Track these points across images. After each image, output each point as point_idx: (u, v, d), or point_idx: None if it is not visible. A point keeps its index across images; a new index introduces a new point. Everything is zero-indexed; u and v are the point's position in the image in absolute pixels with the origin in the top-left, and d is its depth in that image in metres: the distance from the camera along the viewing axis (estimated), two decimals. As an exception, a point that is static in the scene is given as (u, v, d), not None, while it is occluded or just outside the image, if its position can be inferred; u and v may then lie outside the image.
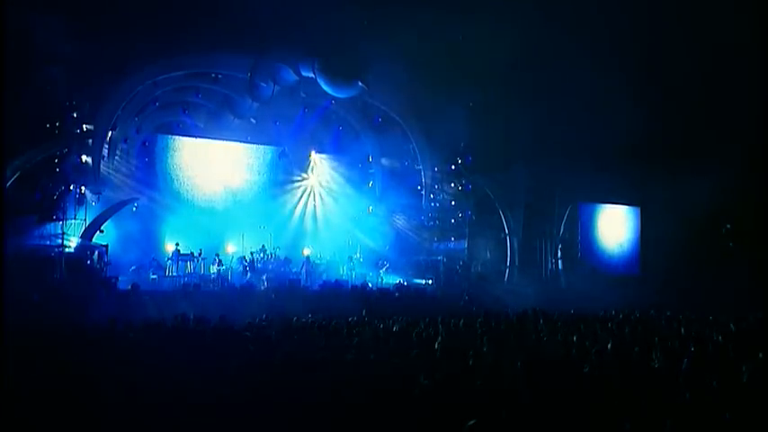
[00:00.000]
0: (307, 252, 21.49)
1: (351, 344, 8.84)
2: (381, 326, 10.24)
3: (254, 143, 22.22)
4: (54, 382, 6.58)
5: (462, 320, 10.16)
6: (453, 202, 22.25)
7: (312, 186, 23.19)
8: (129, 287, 15.79)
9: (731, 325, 9.60)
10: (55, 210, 16.33)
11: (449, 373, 6.20)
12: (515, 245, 22.20)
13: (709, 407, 4.60)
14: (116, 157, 18.92)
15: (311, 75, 18.25)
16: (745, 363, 5.48)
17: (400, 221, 22.63)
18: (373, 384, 6.79)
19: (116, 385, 6.54)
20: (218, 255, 19.35)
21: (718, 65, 19.83)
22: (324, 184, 23.30)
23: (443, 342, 7.96)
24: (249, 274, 18.85)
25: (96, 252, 16.56)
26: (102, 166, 17.83)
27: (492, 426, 4.95)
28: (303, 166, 23.09)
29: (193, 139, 21.06)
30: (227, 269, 19.23)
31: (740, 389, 4.96)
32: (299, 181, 23.04)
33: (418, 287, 20.03)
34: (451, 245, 22.11)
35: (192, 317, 10.78)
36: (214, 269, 18.97)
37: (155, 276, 18.24)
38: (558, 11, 18.88)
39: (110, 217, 17.75)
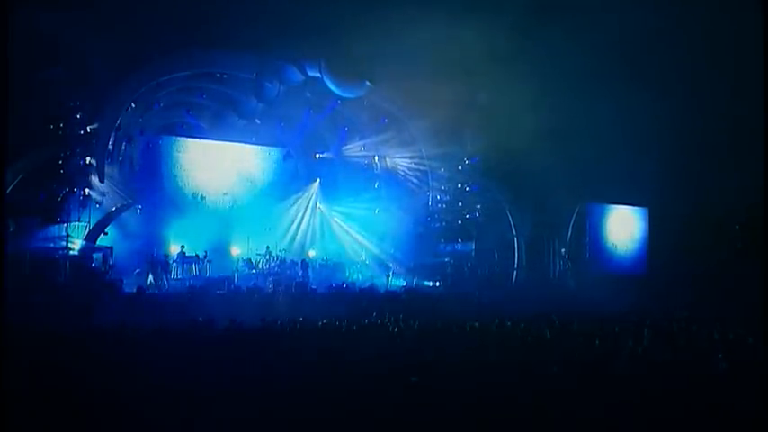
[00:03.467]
0: (312, 254, 21.32)
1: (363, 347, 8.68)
2: (395, 329, 10.04)
3: (258, 144, 22.00)
4: (58, 385, 6.46)
5: (477, 323, 9.97)
6: (460, 203, 22.04)
7: (317, 188, 22.97)
8: (134, 290, 15.62)
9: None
10: (59, 212, 16.12)
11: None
12: (523, 246, 21.98)
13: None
14: (120, 159, 18.72)
15: (317, 74, 18.08)
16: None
17: (407, 223, 22.40)
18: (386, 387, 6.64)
19: (122, 389, 6.42)
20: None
21: (727, 64, 19.64)
22: (329, 185, 23.07)
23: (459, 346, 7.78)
24: (255, 276, 18.70)
25: (101, 254, 16.39)
26: (106, 167, 17.62)
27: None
28: (308, 167, 22.87)
29: (198, 140, 20.85)
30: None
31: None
32: (304, 183, 22.81)
33: (426, 289, 19.84)
34: (458, 246, 21.91)
35: (200, 320, 10.60)
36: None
37: (159, 279, 18.03)
38: (566, 8, 18.70)
39: (114, 219, 17.56)
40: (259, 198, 21.72)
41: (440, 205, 22.27)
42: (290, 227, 21.97)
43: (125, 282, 16.48)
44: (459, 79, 18.87)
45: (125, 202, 18.14)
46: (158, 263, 18.31)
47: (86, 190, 16.87)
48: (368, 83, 18.00)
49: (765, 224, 19.08)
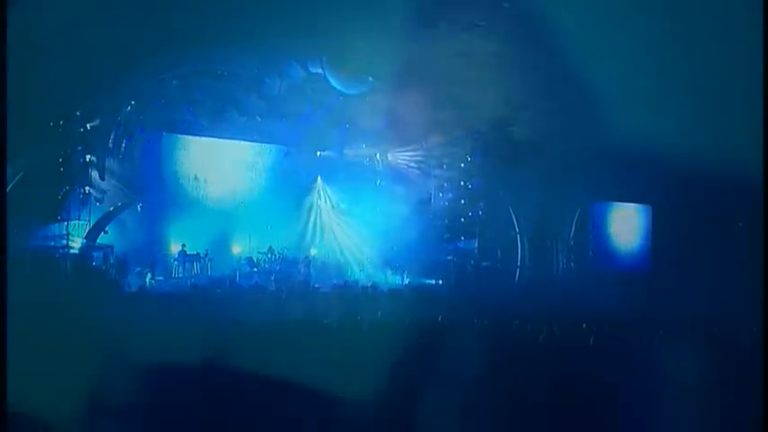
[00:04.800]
0: (314, 253, 21.23)
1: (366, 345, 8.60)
2: (399, 327, 9.96)
3: (259, 142, 21.90)
4: (58, 384, 6.43)
5: (487, 321, 9.91)
6: (463, 201, 21.95)
7: (318, 186, 22.85)
8: (135, 289, 15.57)
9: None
10: (59, 210, 16.07)
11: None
12: (526, 244, 21.89)
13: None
14: (120, 156, 18.64)
15: (319, 70, 17.99)
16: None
17: (409, 220, 22.29)
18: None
19: (123, 388, 6.40)
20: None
21: (731, 60, 19.53)
22: (330, 183, 22.96)
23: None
24: (257, 274, 18.67)
25: (102, 253, 16.35)
26: (106, 164, 17.54)
27: None
28: (309, 164, 22.75)
29: (198, 137, 20.75)
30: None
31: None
32: (305, 180, 22.68)
33: (429, 287, 19.78)
34: (461, 244, 21.82)
35: (202, 318, 10.54)
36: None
37: (160, 278, 17.99)
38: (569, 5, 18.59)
39: (114, 217, 17.50)
40: (260, 196, 21.62)
41: (442, 203, 22.18)
42: (291, 225, 21.84)
43: (126, 281, 16.42)
44: (462, 75, 18.76)
45: (126, 200, 18.08)
46: (159, 261, 18.30)
47: (87, 188, 16.82)
48: (370, 78, 17.89)
49: (765, 223, 18.98)
